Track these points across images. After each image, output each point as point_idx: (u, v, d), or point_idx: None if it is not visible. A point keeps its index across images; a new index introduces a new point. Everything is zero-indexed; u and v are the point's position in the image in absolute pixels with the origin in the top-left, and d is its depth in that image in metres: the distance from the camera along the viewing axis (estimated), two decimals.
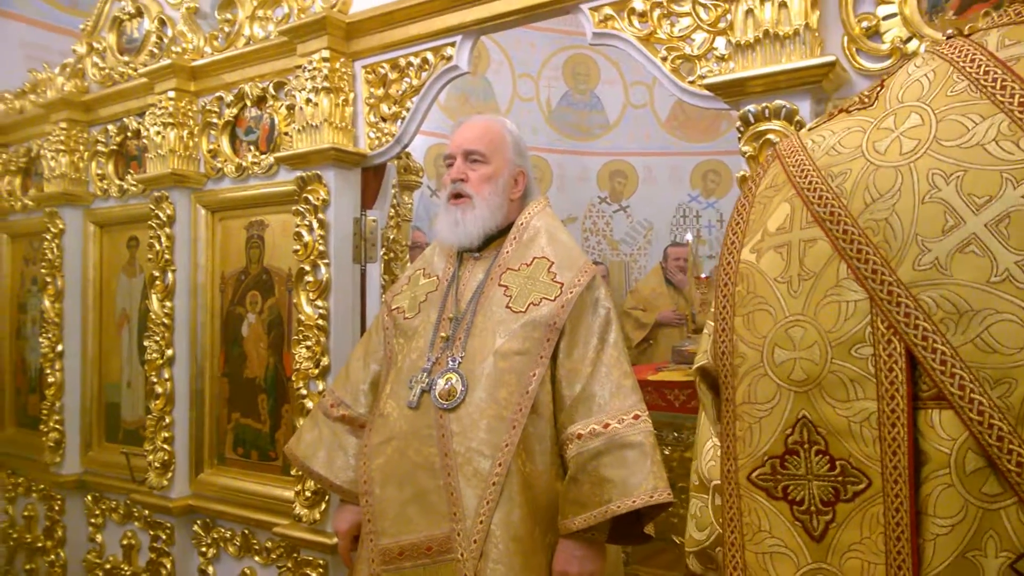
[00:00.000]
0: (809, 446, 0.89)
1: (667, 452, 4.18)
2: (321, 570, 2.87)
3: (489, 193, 2.12)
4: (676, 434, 4.05)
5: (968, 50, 0.87)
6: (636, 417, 1.92)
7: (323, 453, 2.23)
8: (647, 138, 7.93)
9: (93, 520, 3.92)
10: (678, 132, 7.89)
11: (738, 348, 0.97)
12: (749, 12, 2.03)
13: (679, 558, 4.02)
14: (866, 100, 0.97)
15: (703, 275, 5.37)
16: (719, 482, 1.01)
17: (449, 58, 2.69)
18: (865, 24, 1.95)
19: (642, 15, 2.29)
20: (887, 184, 0.86)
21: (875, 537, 0.82)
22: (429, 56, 2.74)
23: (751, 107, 2.02)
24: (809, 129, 1.03)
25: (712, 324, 1.04)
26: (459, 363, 1.98)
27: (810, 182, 0.93)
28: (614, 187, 7.99)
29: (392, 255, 3.49)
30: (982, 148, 0.80)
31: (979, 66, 0.85)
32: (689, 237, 5.53)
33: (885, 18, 1.92)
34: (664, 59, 2.27)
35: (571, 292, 2.00)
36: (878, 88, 0.97)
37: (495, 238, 2.17)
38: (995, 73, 0.83)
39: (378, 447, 2.03)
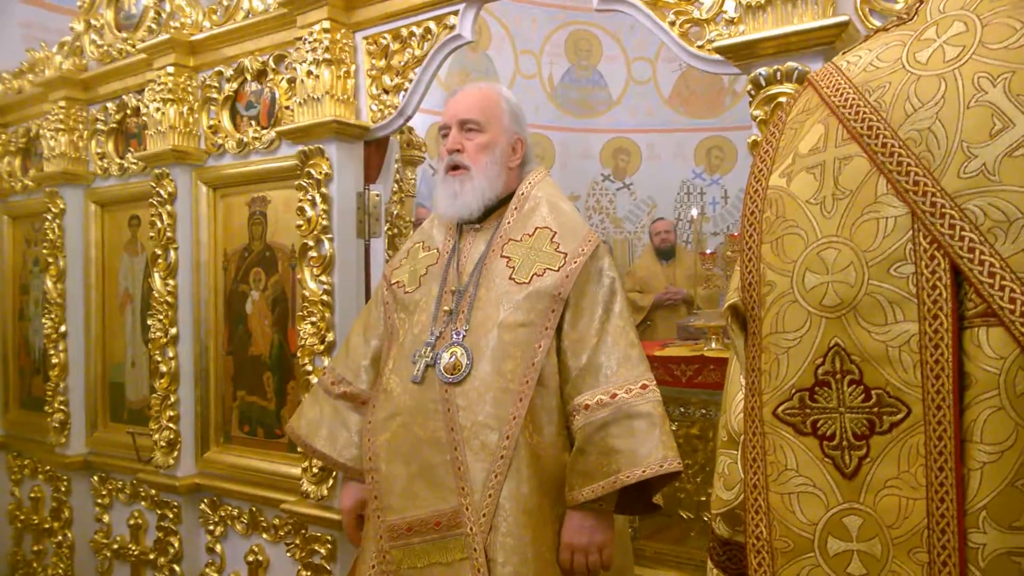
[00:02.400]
0: (842, 376, 0.84)
1: (674, 427, 4.15)
2: (329, 546, 2.86)
3: (487, 163, 2.07)
4: (682, 409, 4.03)
5: None
6: (644, 387, 1.89)
7: (325, 431, 2.21)
8: (650, 114, 7.87)
9: (100, 500, 3.91)
10: (681, 108, 7.83)
11: (766, 276, 0.92)
12: None
13: (686, 533, 4.01)
14: (905, 16, 0.93)
15: (708, 251, 5.34)
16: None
17: (452, 27, 2.64)
18: None
19: None
20: (929, 92, 0.81)
21: (914, 470, 0.78)
22: (432, 25, 2.69)
23: (762, 70, 1.98)
24: (843, 53, 0.99)
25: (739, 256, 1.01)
26: (463, 336, 1.95)
27: (845, 99, 0.89)
28: (617, 164, 7.94)
29: (396, 230, 3.46)
30: None
31: None
32: (694, 212, 5.50)
33: None
34: (672, 23, 2.22)
35: (575, 262, 1.97)
36: (917, 4, 0.93)
37: (495, 208, 2.12)
38: None
39: (383, 423, 2.00)
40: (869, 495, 0.82)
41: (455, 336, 1.96)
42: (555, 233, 2.02)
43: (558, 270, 1.96)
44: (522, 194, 2.12)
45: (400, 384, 2.00)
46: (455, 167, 2.08)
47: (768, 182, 0.96)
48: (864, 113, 0.85)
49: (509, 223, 2.08)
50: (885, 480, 0.81)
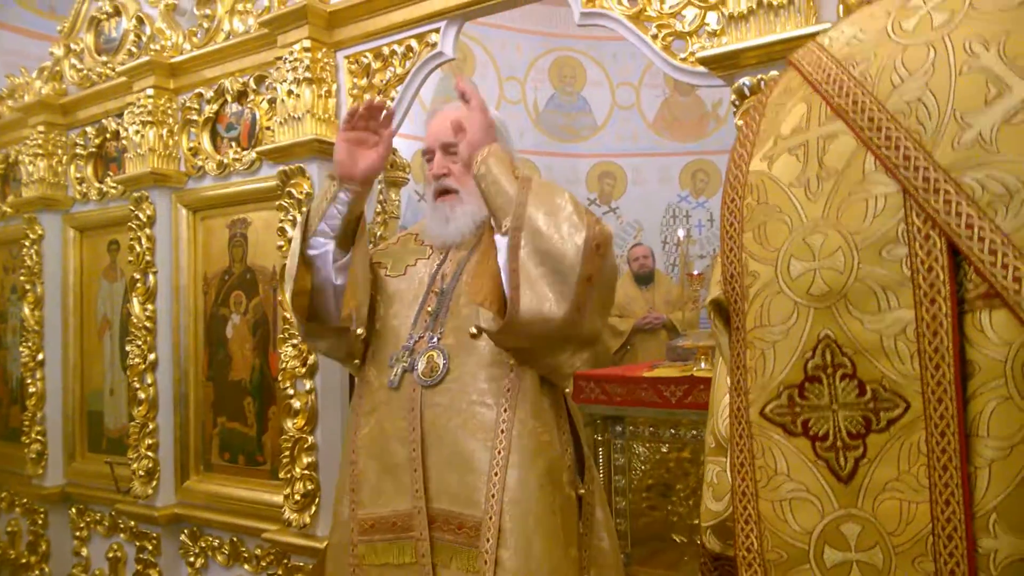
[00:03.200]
0: (833, 370, 0.77)
1: (664, 450, 4.12)
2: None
3: (474, 184, 2.01)
4: (673, 431, 3.98)
5: None
6: None
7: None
8: (635, 139, 7.88)
9: (78, 533, 3.81)
10: (665, 132, 7.85)
11: (749, 266, 0.86)
12: None
13: (679, 557, 3.95)
14: None
15: (695, 272, 5.32)
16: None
17: (434, 44, 2.63)
18: None
19: None
20: (918, 61, 0.76)
21: (915, 470, 0.71)
22: (413, 43, 2.67)
23: (746, 80, 1.96)
24: (825, 31, 0.94)
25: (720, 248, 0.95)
26: (438, 340, 1.92)
27: (828, 75, 0.83)
28: (603, 188, 7.94)
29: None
30: None
31: None
32: (681, 233, 5.49)
33: None
34: (655, 36, 2.21)
35: None
36: None
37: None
38: None
39: (364, 416, 1.98)
40: (867, 500, 0.75)
41: (432, 341, 1.92)
42: None
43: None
44: None
45: (377, 379, 1.97)
46: (444, 192, 2.02)
47: (749, 168, 0.90)
48: (848, 88, 0.80)
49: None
50: (884, 482, 0.74)
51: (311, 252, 2.02)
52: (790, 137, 0.86)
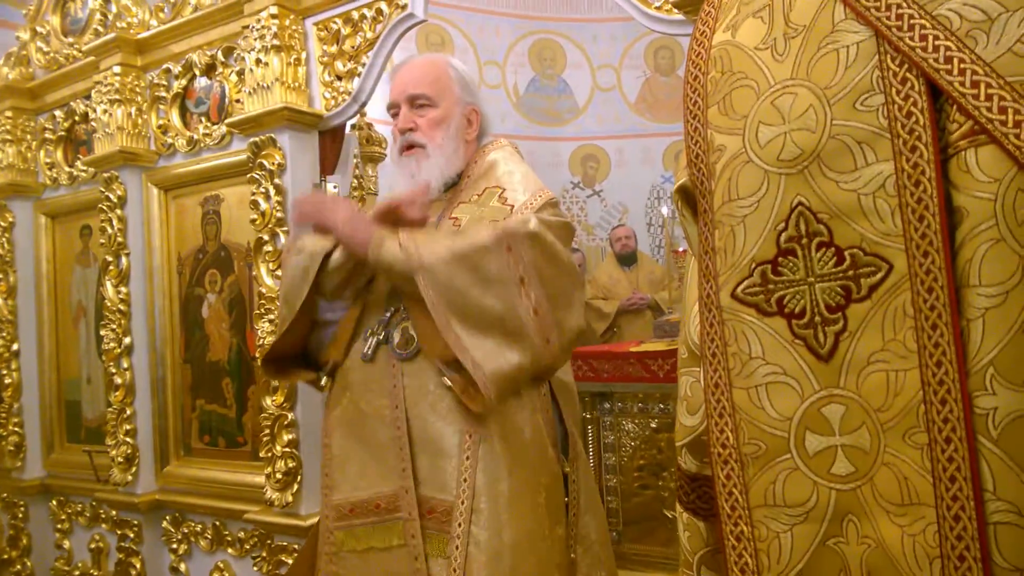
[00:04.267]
0: (808, 240, 0.72)
1: (653, 426, 4.07)
2: (296, 555, 2.72)
3: (442, 138, 1.92)
4: (661, 405, 3.94)
5: None
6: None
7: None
8: (617, 121, 7.82)
9: (59, 526, 3.73)
10: (647, 113, 7.80)
11: (715, 141, 0.80)
12: None
13: (672, 534, 3.90)
14: None
15: (681, 249, 5.28)
16: None
17: (404, 6, 2.56)
18: None
19: None
20: None
21: (902, 336, 0.66)
22: (383, 6, 2.61)
23: None
24: None
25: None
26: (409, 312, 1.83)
27: None
28: (586, 171, 7.88)
29: None
30: None
31: None
32: (665, 211, 5.44)
33: None
34: None
35: (523, 213, 1.80)
36: None
37: (453, 184, 1.99)
38: None
39: (336, 396, 1.89)
40: (851, 377, 0.69)
41: (404, 312, 1.83)
42: (503, 190, 1.89)
43: (502, 221, 1.80)
44: (476, 162, 1.99)
45: (352, 358, 1.88)
46: (410, 146, 1.93)
47: (712, 41, 0.84)
48: None
49: (462, 189, 1.95)
50: (868, 355, 0.68)
51: (327, 316, 1.93)
52: (753, 1, 0.80)
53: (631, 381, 3.99)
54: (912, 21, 0.65)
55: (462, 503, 1.69)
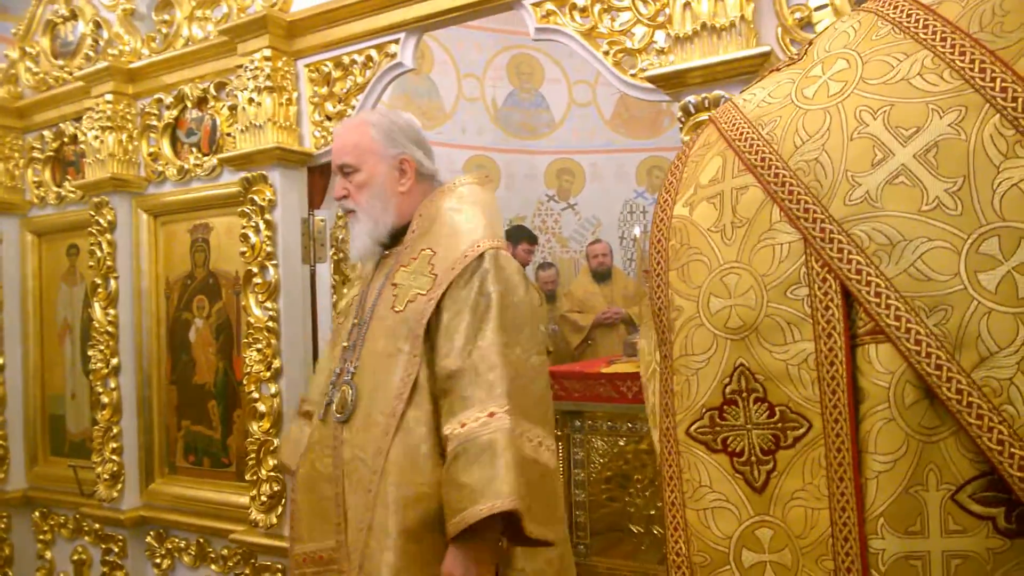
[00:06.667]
0: (747, 394, 0.88)
1: (622, 443, 4.23)
2: (280, 575, 2.84)
3: (367, 200, 2.03)
4: (630, 424, 4.10)
5: (893, 0, 0.89)
6: (491, 415, 1.77)
7: (290, 446, 2.21)
8: (592, 136, 7.98)
9: (42, 537, 3.81)
10: (622, 129, 7.96)
11: (674, 301, 0.96)
12: (687, 5, 2.07)
13: (637, 547, 4.07)
14: (795, 57, 1.00)
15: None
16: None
17: (393, 55, 2.69)
18: (798, 15, 2.00)
19: (583, 10, 2.32)
20: (816, 125, 0.87)
21: (817, 481, 0.83)
22: (373, 53, 2.73)
23: (691, 98, 2.06)
24: (741, 91, 1.05)
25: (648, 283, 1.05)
26: (352, 374, 1.97)
27: (741, 133, 0.94)
28: (561, 185, 8.03)
29: (341, 255, 3.46)
30: (907, 83, 0.82)
31: (902, 11, 0.87)
32: (637, 232, 5.60)
33: (817, 8, 1.98)
34: (606, 53, 2.30)
35: (441, 285, 1.90)
36: (807, 45, 1.00)
37: (403, 233, 2.07)
38: (918, 15, 0.85)
39: (304, 453, 2.06)
40: (778, 507, 0.86)
41: (347, 374, 1.98)
42: (434, 254, 1.96)
43: (426, 293, 1.91)
44: (420, 213, 2.06)
45: (314, 419, 2.06)
46: (347, 212, 2.08)
47: (673, 212, 1.00)
48: (757, 146, 0.91)
49: (405, 248, 2.04)
50: (792, 492, 0.85)
51: None
52: (708, 187, 0.96)
53: (601, 401, 4.16)
54: (832, 235, 0.81)
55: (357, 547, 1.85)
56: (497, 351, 1.82)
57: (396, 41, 2.68)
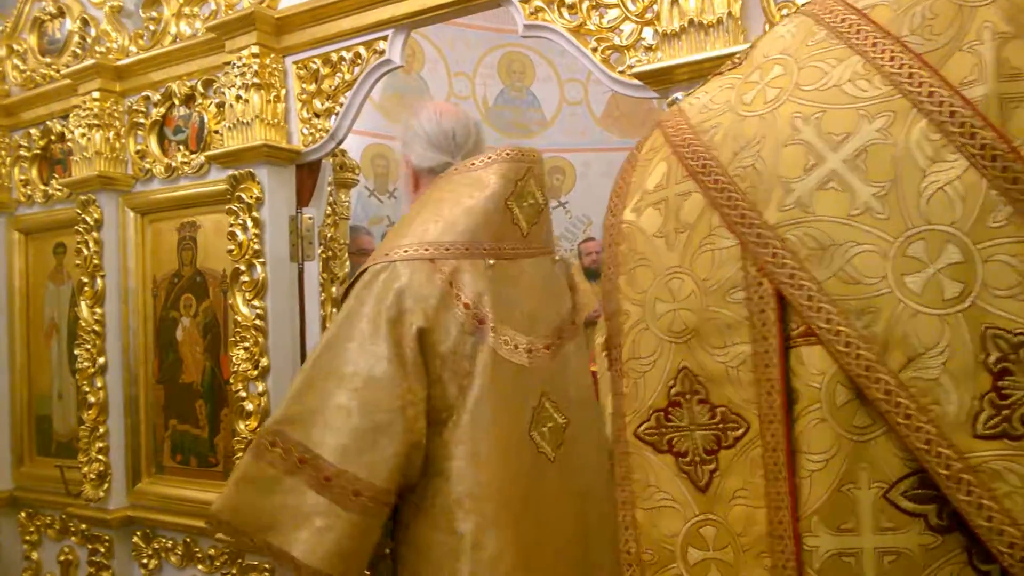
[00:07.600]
0: (691, 396, 0.90)
1: None
2: (267, 575, 2.83)
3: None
4: None
5: (829, 4, 0.91)
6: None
7: None
8: (583, 134, 7.99)
9: (28, 537, 3.79)
10: (613, 128, 7.97)
11: (623, 306, 0.98)
12: (674, 2, 2.08)
13: None
14: (737, 61, 1.01)
15: None
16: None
17: (382, 52, 2.68)
18: (785, 12, 2.00)
19: (571, 7, 2.32)
20: (752, 132, 0.88)
21: (756, 480, 0.84)
22: (361, 50, 2.72)
23: (679, 95, 2.06)
24: (687, 95, 1.06)
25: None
26: None
27: (684, 139, 0.95)
28: (552, 183, 8.03)
29: (330, 253, 3.46)
30: (839, 89, 0.83)
31: (837, 15, 0.88)
32: None
33: (803, 5, 1.97)
34: (595, 50, 2.30)
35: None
36: (749, 48, 1.01)
37: None
38: (851, 20, 0.86)
39: None
40: (721, 506, 0.88)
41: None
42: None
43: None
44: None
45: None
46: None
47: (622, 217, 1.02)
48: (699, 152, 0.92)
49: None
50: (733, 491, 0.87)
51: None
52: (653, 192, 0.98)
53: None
54: (767, 240, 0.83)
55: None
56: (310, 362, 1.80)
57: (384, 38, 2.67)
